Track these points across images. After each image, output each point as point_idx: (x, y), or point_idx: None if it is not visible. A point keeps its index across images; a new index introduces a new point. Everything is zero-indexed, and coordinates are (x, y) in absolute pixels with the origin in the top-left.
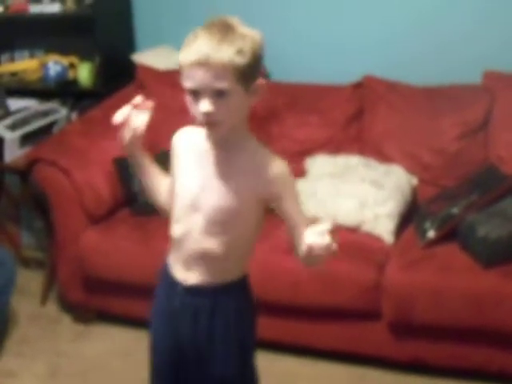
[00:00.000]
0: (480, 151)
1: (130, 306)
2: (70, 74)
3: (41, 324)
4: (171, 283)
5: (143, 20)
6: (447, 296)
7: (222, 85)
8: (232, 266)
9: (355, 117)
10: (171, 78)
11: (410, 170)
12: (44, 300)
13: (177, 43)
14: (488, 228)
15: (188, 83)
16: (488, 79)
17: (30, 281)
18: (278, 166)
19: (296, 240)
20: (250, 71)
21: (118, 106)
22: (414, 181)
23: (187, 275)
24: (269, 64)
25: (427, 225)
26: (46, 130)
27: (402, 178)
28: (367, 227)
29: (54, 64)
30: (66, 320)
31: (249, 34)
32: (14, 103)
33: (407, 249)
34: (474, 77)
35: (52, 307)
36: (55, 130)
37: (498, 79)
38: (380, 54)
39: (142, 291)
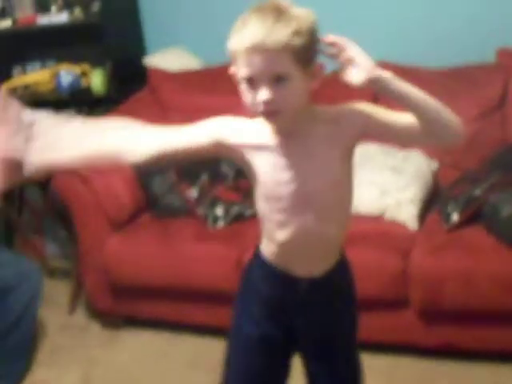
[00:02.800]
0: (498, 130)
1: (156, 310)
2: (83, 82)
3: (70, 333)
4: (284, 283)
5: (152, 23)
6: (475, 279)
7: (281, 69)
8: (342, 239)
9: (369, 103)
10: (184, 79)
11: (429, 154)
12: (72, 309)
13: (187, 44)
14: (511, 207)
15: (243, 71)
16: (502, 57)
17: (57, 291)
18: (347, 106)
19: (411, 129)
20: (308, 52)
21: (132, 111)
22: (434, 165)
23: (309, 269)
24: None
25: (450, 208)
26: None
27: (421, 162)
28: (390, 214)
29: (66, 73)
30: (95, 327)
31: (303, 14)
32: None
33: (432, 234)
34: (487, 56)
35: (80, 316)
36: None
37: None
38: (392, 40)
39: (167, 294)
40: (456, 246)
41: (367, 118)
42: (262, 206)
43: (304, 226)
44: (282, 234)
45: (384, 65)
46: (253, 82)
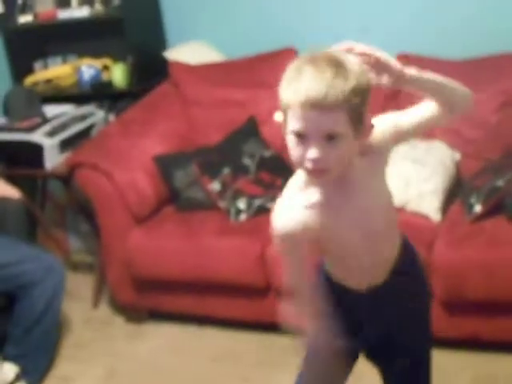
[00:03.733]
0: None
1: (179, 303)
2: (104, 76)
3: (94, 327)
4: (344, 295)
5: (173, 16)
6: (498, 270)
7: (335, 128)
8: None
9: (393, 95)
10: (204, 72)
11: (452, 145)
12: (96, 303)
13: (208, 37)
14: None
15: (295, 125)
16: None
17: (80, 285)
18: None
19: (434, 114)
20: (362, 111)
21: (154, 104)
22: (457, 156)
23: (368, 281)
24: (300, 48)
25: (473, 199)
26: (84, 133)
27: (444, 153)
28: (413, 206)
29: (88, 68)
30: (119, 321)
31: (359, 69)
32: (51, 110)
33: (454, 225)
34: (508, 46)
35: (104, 309)
36: (93, 133)
37: None
38: (415, 30)
39: (190, 287)
40: (478, 237)
41: (395, 130)
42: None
43: (361, 257)
44: (346, 271)
45: (406, 56)
46: (303, 138)
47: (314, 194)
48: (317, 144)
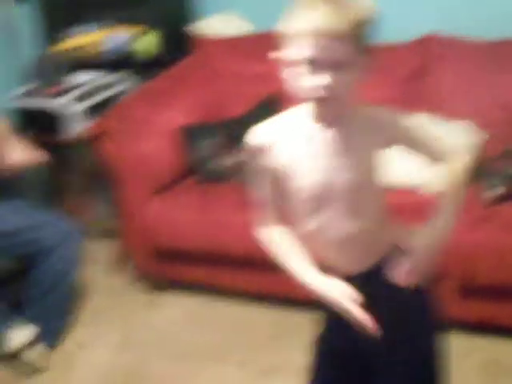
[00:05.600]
0: None
1: (196, 274)
2: (133, 45)
3: (113, 294)
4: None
5: None
6: (511, 255)
7: (345, 56)
8: (385, 232)
9: (418, 75)
10: (233, 44)
11: (477, 126)
12: (116, 270)
13: (239, 9)
14: None
15: (306, 52)
16: None
17: (100, 252)
18: (387, 113)
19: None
20: (367, 41)
21: (180, 75)
22: (481, 137)
23: (349, 265)
24: None
25: (490, 183)
26: (111, 101)
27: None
28: (429, 187)
29: (117, 36)
30: (137, 290)
31: (366, 4)
32: (79, 77)
33: (469, 208)
34: None
35: (123, 277)
36: (120, 100)
37: None
38: (441, 11)
39: (206, 259)
40: (493, 221)
41: (402, 135)
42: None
43: (327, 220)
44: (305, 227)
45: (430, 37)
46: (311, 66)
47: (302, 126)
48: (326, 71)
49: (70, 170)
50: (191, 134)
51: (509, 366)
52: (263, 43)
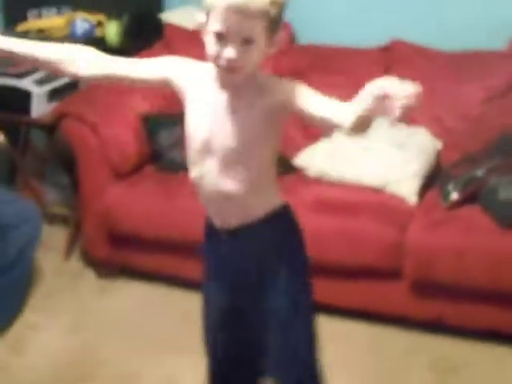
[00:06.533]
0: (503, 117)
1: (152, 262)
2: (98, 32)
3: (65, 279)
4: (214, 234)
5: None
6: (468, 256)
7: (252, 33)
8: (260, 201)
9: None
10: (199, 37)
11: (434, 133)
12: (68, 255)
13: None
14: (509, 191)
15: (217, 26)
16: None
17: (54, 237)
18: (278, 79)
19: (332, 115)
20: (277, 23)
21: None
22: (438, 144)
23: (222, 220)
24: (295, 26)
25: (451, 187)
26: (73, 86)
27: (426, 140)
28: (391, 188)
29: (82, 21)
30: (90, 275)
31: None
32: None
33: (430, 210)
34: (498, 43)
35: (76, 263)
36: (82, 85)
37: None
38: (404, 19)
39: (164, 247)
40: (452, 223)
41: (287, 98)
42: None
43: (206, 171)
44: (191, 172)
45: (397, 43)
46: (222, 38)
47: (207, 84)
48: (234, 46)
49: (27, 152)
50: (152, 122)
51: (457, 364)
52: None
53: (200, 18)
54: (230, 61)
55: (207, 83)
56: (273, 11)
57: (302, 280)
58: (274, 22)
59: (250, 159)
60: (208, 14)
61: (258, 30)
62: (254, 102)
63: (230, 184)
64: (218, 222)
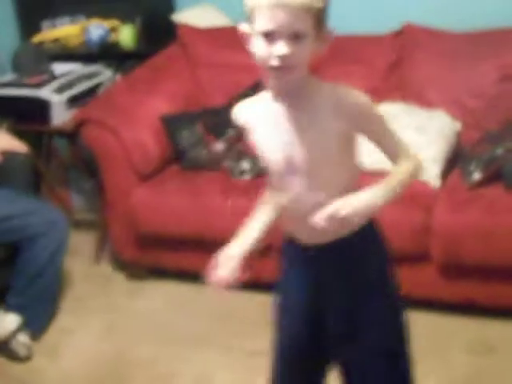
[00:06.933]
0: None
1: (181, 260)
2: (112, 37)
3: (95, 283)
4: (297, 255)
5: None
6: (494, 236)
7: (301, 27)
8: None
9: (396, 65)
10: (213, 35)
11: (453, 114)
12: (97, 259)
13: (216, 1)
14: None
15: (264, 24)
16: None
17: (82, 242)
18: (355, 96)
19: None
20: (324, 16)
21: (161, 65)
22: (457, 125)
23: (313, 236)
24: None
25: (472, 167)
26: (91, 91)
27: (444, 122)
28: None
29: (96, 28)
30: (120, 278)
31: None
32: (59, 68)
33: (454, 192)
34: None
35: (105, 266)
36: (101, 91)
37: None
38: (416, 1)
39: (192, 244)
40: (476, 203)
41: (360, 126)
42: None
43: (295, 192)
44: (281, 198)
45: (409, 27)
46: (271, 37)
47: (269, 104)
48: (284, 41)
49: (50, 160)
50: (173, 123)
51: (494, 344)
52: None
53: (243, 27)
54: (282, 58)
55: (268, 109)
56: (318, 4)
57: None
58: (320, 16)
59: (335, 166)
60: (251, 17)
61: (306, 24)
62: (334, 114)
63: (322, 194)
64: (306, 239)
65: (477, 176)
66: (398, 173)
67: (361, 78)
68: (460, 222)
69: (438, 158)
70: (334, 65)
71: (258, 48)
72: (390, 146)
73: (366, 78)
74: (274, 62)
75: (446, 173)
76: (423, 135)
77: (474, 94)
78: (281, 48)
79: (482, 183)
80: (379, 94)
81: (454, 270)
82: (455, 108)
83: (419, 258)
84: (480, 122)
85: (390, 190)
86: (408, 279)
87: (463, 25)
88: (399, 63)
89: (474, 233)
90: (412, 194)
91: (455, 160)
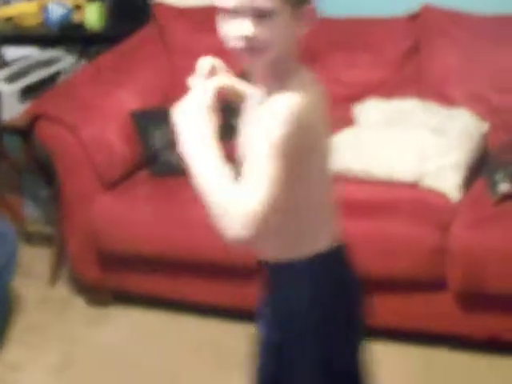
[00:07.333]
0: None
1: (151, 284)
2: (76, 17)
3: (50, 309)
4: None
5: None
6: None
7: (267, 4)
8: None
9: (412, 54)
10: (195, 16)
11: (478, 113)
12: (53, 281)
13: None
14: None
15: (226, 2)
16: None
17: (36, 259)
18: (278, 112)
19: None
20: None
21: (133, 51)
22: (483, 126)
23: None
24: None
25: (498, 177)
26: (49, 81)
27: (468, 122)
28: (429, 182)
29: (56, 6)
30: (79, 303)
31: None
32: (12, 52)
33: (476, 206)
34: None
35: (62, 289)
36: (60, 81)
37: None
38: None
39: (164, 266)
40: (502, 220)
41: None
42: None
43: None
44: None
45: (428, 9)
46: (235, 16)
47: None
48: (249, 20)
49: (1, 161)
50: (145, 121)
51: None
52: None
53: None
54: (248, 39)
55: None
56: None
57: None
58: None
59: None
60: None
61: (274, 1)
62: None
63: None
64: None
65: (503, 187)
66: (225, 178)
67: (368, 69)
68: (482, 242)
69: (458, 165)
70: (338, 52)
71: (223, 28)
72: (246, 172)
73: (373, 68)
74: (240, 44)
75: (469, 182)
76: (442, 138)
77: (502, 89)
78: (245, 28)
79: (510, 196)
80: (390, 87)
81: (475, 299)
82: (480, 105)
83: (433, 284)
84: (509, 122)
85: (206, 162)
86: (420, 310)
87: (490, 7)
88: (414, 51)
89: (499, 256)
90: (425, 209)
91: (480, 168)
